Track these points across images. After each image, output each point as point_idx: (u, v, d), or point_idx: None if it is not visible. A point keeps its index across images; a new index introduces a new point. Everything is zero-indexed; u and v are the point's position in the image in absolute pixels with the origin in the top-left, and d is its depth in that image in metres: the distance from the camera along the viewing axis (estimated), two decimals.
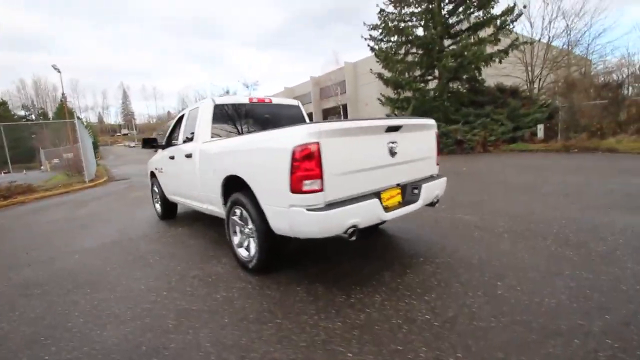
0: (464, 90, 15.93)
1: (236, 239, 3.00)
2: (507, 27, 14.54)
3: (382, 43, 17.52)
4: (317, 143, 2.05)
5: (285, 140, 2.15)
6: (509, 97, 15.56)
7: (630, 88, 14.70)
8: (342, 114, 33.57)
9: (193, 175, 3.63)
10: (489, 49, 14.51)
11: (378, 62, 16.89)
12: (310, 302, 2.27)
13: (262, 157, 2.39)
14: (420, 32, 16.27)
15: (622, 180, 5.63)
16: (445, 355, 1.65)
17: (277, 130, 2.32)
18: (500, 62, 14.79)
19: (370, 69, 17.09)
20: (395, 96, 16.80)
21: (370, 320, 2.00)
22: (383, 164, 2.47)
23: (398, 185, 2.67)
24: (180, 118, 4.47)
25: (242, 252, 2.93)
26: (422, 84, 16.33)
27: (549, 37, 17.79)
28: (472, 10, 15.27)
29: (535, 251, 2.86)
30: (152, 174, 5.36)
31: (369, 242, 3.38)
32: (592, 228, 3.31)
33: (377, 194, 2.43)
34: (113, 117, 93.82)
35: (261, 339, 1.90)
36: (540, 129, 13.42)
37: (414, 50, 16.45)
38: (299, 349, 1.78)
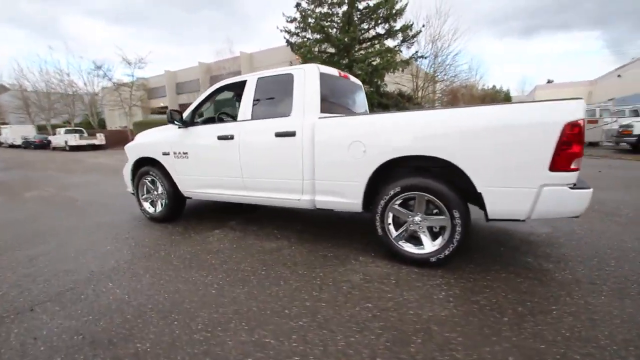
0: (372, 93, 17.75)
1: (394, 232, 2.57)
2: (409, 41, 16.99)
3: (297, 37, 17.68)
4: (583, 120, 2.01)
5: (552, 114, 2.00)
6: (406, 101, 18.34)
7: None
8: None
9: (291, 159, 2.85)
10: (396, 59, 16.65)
11: (295, 55, 16.92)
12: (528, 296, 2.20)
13: (503, 132, 2.12)
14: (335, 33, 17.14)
15: None
16: None
17: (530, 103, 2.13)
18: (402, 71, 17.23)
19: (290, 62, 16.89)
20: None
21: (598, 306, 2.12)
22: None
23: None
24: (223, 89, 3.41)
25: (407, 246, 2.53)
26: None
27: (431, 55, 21.64)
28: (379, 21, 17.12)
29: (600, 222, 3.55)
30: (142, 162, 3.85)
31: None
32: (599, 202, 4.34)
33: None
34: None
35: (556, 340, 1.71)
36: None
37: (330, 49, 17.16)
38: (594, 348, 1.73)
